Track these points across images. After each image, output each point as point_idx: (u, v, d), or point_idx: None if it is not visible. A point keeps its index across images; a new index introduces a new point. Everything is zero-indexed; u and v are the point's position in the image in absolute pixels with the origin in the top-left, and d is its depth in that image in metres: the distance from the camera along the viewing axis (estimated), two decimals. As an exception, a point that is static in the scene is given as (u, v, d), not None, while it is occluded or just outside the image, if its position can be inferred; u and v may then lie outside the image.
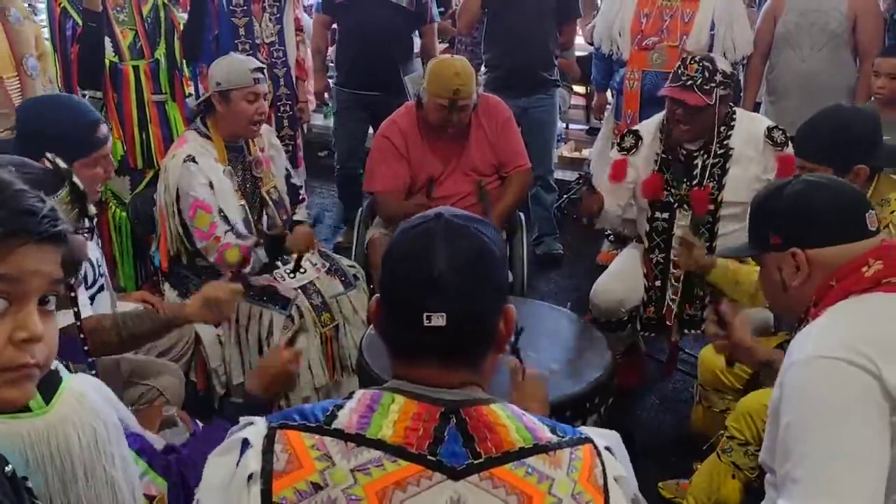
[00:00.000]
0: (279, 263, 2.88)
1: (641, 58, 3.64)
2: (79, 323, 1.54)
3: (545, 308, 2.77)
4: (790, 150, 2.68)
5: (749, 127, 2.79)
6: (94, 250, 2.25)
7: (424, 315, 1.03)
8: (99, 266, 2.25)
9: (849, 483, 1.22)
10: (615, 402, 2.35)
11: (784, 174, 2.68)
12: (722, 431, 2.26)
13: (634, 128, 3.01)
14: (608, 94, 4.13)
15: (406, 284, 1.07)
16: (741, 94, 4.10)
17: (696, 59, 2.72)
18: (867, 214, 1.52)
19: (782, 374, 1.37)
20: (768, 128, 2.76)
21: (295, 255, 2.84)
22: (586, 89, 5.63)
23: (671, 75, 2.77)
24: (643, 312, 2.96)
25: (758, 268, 2.48)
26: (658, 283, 2.91)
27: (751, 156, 2.77)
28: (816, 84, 3.62)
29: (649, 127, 2.91)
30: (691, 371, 3.18)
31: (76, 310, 1.52)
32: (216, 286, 2.15)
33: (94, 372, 1.65)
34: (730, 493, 2.23)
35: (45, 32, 3.35)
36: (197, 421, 1.92)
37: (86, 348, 1.64)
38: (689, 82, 2.66)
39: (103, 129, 2.15)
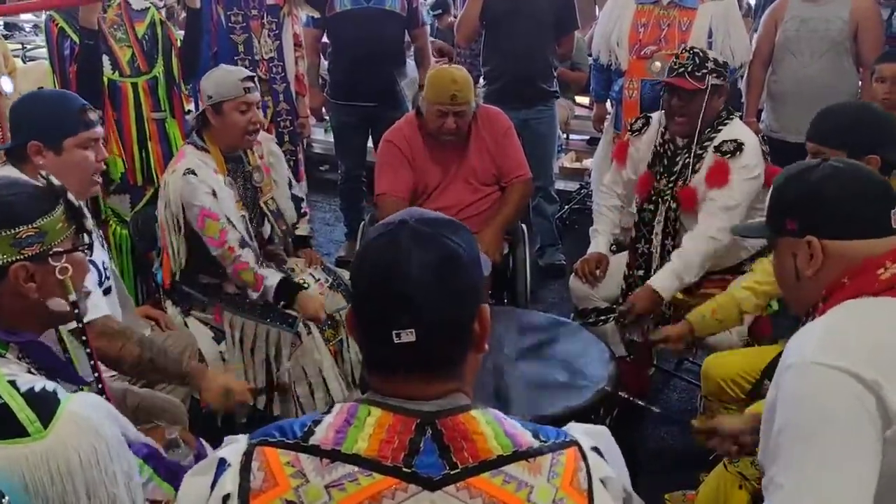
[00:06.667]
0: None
1: (640, 67, 3.64)
2: (81, 325, 1.55)
3: (548, 319, 2.76)
4: (735, 160, 2.73)
5: (731, 136, 2.80)
6: (100, 253, 2.25)
7: (393, 332, 1.02)
8: (105, 269, 2.25)
9: (832, 494, 1.20)
10: (620, 413, 2.34)
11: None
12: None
13: (648, 115, 3.07)
14: (607, 104, 4.14)
15: (373, 300, 1.06)
16: (741, 101, 4.11)
17: (688, 48, 2.87)
18: (893, 211, 1.43)
19: (779, 375, 1.33)
20: (721, 141, 2.78)
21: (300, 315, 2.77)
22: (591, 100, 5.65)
23: (668, 69, 2.88)
24: (622, 301, 2.95)
25: (732, 287, 2.54)
26: (641, 272, 2.95)
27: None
28: (817, 90, 3.60)
29: (658, 117, 2.99)
30: (696, 381, 3.17)
31: (80, 324, 1.52)
32: (239, 381, 2.25)
33: (99, 385, 1.65)
34: (737, 504, 2.21)
35: (42, 52, 3.36)
36: (201, 440, 1.91)
37: (92, 363, 1.63)
38: (682, 69, 2.78)
39: (92, 114, 2.20)
